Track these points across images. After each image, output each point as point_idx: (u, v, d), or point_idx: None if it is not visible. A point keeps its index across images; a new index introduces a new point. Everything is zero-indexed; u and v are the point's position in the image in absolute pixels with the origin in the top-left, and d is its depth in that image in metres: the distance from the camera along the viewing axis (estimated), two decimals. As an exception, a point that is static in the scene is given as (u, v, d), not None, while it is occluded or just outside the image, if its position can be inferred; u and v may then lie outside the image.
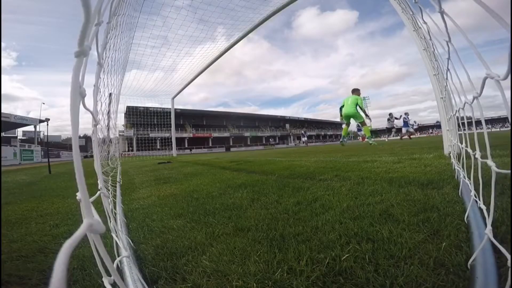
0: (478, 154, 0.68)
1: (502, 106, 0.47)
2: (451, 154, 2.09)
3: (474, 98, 0.59)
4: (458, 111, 0.91)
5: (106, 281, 0.42)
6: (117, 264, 0.58)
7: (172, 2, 6.00)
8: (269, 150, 14.85)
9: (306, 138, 27.43)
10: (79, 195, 0.37)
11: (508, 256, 0.46)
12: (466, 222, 0.82)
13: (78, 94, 0.36)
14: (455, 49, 0.80)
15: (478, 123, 0.71)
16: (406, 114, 13.14)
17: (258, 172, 2.80)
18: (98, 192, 0.67)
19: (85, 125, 0.71)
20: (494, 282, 0.51)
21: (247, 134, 50.57)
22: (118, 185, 2.23)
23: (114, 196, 1.61)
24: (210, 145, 44.52)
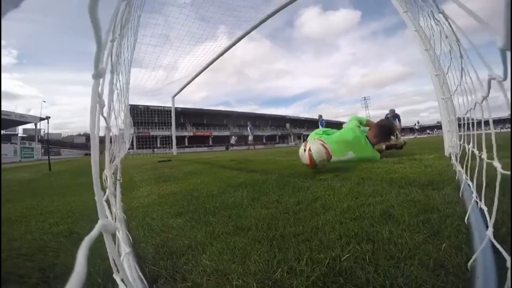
0: (484, 155, 0.68)
1: (503, 107, 0.48)
2: (452, 155, 2.09)
3: (483, 98, 0.59)
4: (470, 111, 0.89)
5: (117, 278, 0.45)
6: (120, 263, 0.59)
7: (174, 1, 6.01)
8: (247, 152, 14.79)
9: (251, 138, 19.29)
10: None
11: (508, 257, 0.46)
12: (466, 223, 0.82)
13: (98, 112, 0.42)
14: (461, 49, 0.79)
15: (480, 123, 0.71)
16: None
17: (258, 171, 2.80)
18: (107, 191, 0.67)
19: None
20: (494, 283, 0.51)
21: (247, 133, 50.60)
22: (118, 183, 2.23)
23: (114, 195, 1.61)
24: (211, 143, 44.58)
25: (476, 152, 0.83)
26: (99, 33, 0.36)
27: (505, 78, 0.43)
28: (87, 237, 0.29)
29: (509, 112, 0.47)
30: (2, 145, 14.62)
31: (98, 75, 0.40)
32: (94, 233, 0.31)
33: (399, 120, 10.65)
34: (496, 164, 0.54)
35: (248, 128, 18.90)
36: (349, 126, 3.35)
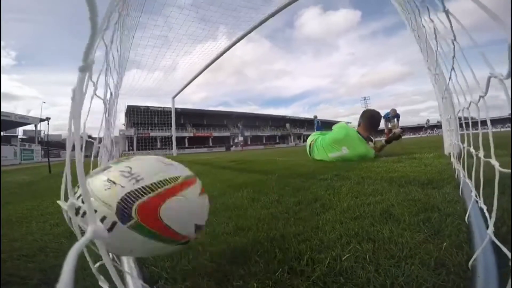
0: (481, 154, 0.68)
1: (504, 106, 0.48)
2: (451, 154, 2.09)
3: (480, 97, 0.59)
4: (463, 110, 0.91)
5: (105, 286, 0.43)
6: (118, 263, 0.59)
7: (174, 2, 6.01)
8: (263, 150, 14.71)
9: (241, 138, 17.85)
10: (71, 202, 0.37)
11: (510, 256, 0.46)
12: (466, 222, 0.82)
13: (81, 109, 0.37)
14: (460, 48, 0.80)
15: (481, 122, 0.71)
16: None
17: (258, 172, 2.80)
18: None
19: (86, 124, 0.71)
20: (495, 282, 0.51)
21: (247, 133, 50.63)
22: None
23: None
24: (211, 144, 44.56)
25: (473, 150, 0.83)
26: (94, 15, 0.31)
27: (508, 76, 0.43)
28: (75, 245, 0.26)
29: (509, 111, 0.47)
30: (2, 147, 14.61)
31: (86, 67, 0.35)
32: (83, 240, 0.29)
33: (398, 120, 10.71)
34: (494, 162, 0.54)
35: (239, 128, 18.12)
36: (339, 125, 3.54)
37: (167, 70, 10.54)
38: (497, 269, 0.54)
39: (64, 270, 0.22)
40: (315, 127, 14.48)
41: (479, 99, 0.60)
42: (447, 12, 0.67)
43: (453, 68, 0.89)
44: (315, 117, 15.12)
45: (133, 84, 10.95)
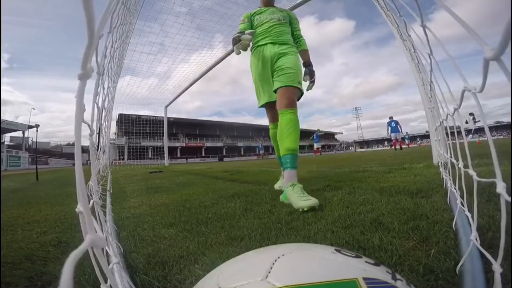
0: (461, 164, 0.71)
1: (491, 115, 0.50)
2: (439, 164, 2.14)
3: (454, 109, 0.62)
4: (442, 122, 0.95)
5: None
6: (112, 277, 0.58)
7: (169, 10, 6.06)
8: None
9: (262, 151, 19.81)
10: (79, 209, 0.37)
11: (493, 260, 0.48)
12: (454, 229, 0.84)
13: (82, 115, 0.37)
14: (436, 61, 0.84)
15: (468, 132, 0.75)
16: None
17: (251, 182, 2.80)
18: (92, 201, 0.66)
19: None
20: (482, 287, 0.53)
21: (240, 144, 50.57)
22: (108, 193, 2.20)
23: (104, 206, 1.58)
24: (203, 154, 44.28)
25: (455, 161, 0.86)
26: (92, 23, 0.31)
27: (481, 90, 0.45)
28: (73, 252, 0.26)
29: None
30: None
31: (84, 75, 0.36)
32: (82, 248, 0.29)
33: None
34: (472, 172, 0.57)
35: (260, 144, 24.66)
36: None
37: (161, 78, 10.50)
38: (484, 273, 0.56)
39: (63, 276, 0.23)
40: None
41: (454, 111, 0.64)
42: (424, 27, 0.71)
43: (431, 82, 0.93)
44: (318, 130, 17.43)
45: (126, 92, 10.83)
